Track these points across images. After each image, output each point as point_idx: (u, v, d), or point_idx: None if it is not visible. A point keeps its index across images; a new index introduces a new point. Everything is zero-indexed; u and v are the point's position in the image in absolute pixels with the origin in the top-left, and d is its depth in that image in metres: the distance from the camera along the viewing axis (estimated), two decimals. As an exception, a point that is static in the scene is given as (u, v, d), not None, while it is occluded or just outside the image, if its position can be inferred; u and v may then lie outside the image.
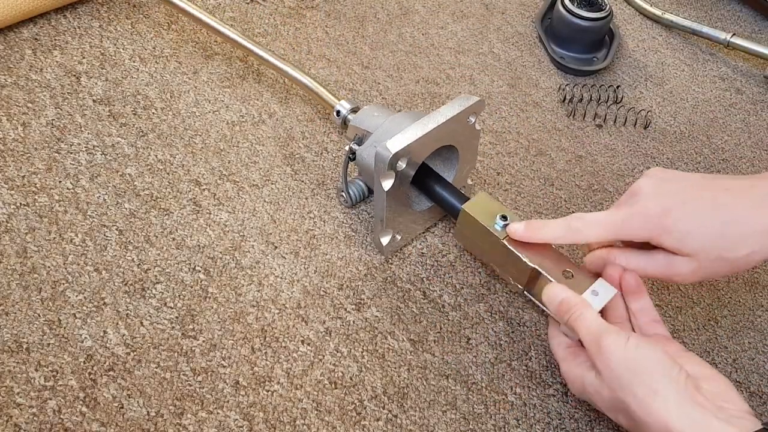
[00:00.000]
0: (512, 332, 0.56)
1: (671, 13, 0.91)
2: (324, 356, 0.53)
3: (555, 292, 0.46)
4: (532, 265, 0.48)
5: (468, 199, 0.53)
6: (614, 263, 0.48)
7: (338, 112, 0.62)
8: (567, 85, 0.80)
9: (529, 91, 0.79)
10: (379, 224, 0.53)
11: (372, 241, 0.54)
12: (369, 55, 0.79)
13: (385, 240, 0.52)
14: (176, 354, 0.51)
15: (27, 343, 0.49)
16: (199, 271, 0.56)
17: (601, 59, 0.83)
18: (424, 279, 0.59)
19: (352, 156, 0.58)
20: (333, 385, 0.51)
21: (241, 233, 0.59)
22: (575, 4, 0.80)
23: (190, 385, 0.50)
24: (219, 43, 0.75)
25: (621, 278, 0.48)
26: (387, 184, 0.51)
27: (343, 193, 0.59)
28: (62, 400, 0.47)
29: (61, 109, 0.64)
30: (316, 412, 0.50)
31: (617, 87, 0.81)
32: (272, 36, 0.78)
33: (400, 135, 0.50)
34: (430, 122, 0.52)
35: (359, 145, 0.57)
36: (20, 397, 0.47)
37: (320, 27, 0.80)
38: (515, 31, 0.87)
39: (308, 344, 0.53)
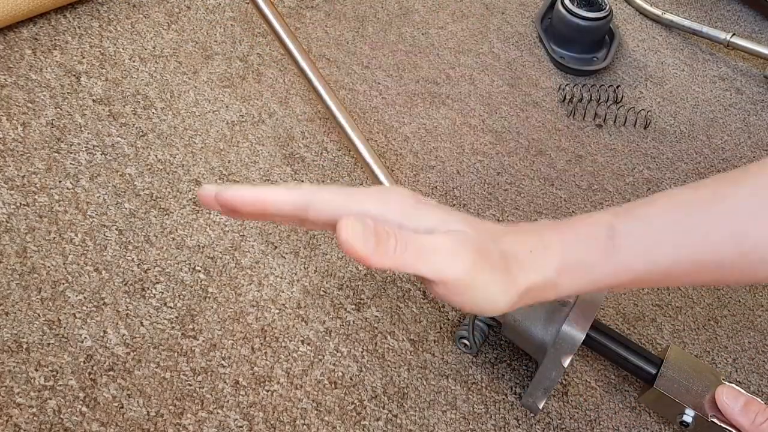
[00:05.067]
0: (512, 332, 0.56)
1: (671, 12, 0.91)
2: (324, 356, 0.53)
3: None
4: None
5: (658, 363, 0.50)
6: None
7: None
8: (567, 84, 0.80)
9: (529, 90, 0.79)
10: (542, 393, 0.49)
11: (523, 404, 0.50)
12: (369, 54, 0.79)
13: (542, 404, 0.50)
14: (176, 354, 0.51)
15: (27, 342, 0.49)
16: (199, 271, 0.56)
17: (601, 59, 0.83)
18: (424, 279, 0.59)
19: None
20: (333, 385, 0.51)
21: (241, 233, 0.59)
22: (575, 3, 0.80)
23: (190, 385, 0.50)
24: (219, 43, 0.75)
25: None
26: (568, 360, 0.46)
27: (467, 341, 0.54)
28: (62, 399, 0.47)
29: (60, 109, 0.64)
30: (316, 412, 0.50)
31: (617, 87, 0.81)
32: (273, 35, 0.78)
33: (579, 306, 0.46)
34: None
35: None
36: (20, 397, 0.47)
37: (320, 26, 0.80)
38: (515, 31, 0.87)
39: (308, 344, 0.53)
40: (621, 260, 0.37)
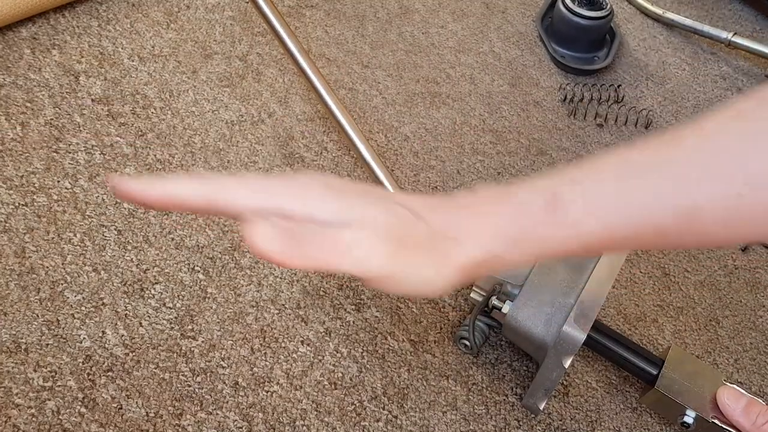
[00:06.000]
0: (513, 332, 0.56)
1: (672, 12, 0.91)
2: (324, 357, 0.53)
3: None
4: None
5: (659, 363, 0.49)
6: None
7: None
8: (568, 84, 0.80)
9: (529, 90, 0.79)
10: (543, 393, 0.48)
11: (524, 404, 0.50)
12: (369, 54, 0.78)
13: (542, 405, 0.50)
14: (175, 354, 0.51)
15: (25, 343, 0.49)
16: (198, 272, 0.56)
17: (601, 58, 0.83)
18: (425, 279, 0.59)
19: (488, 310, 0.51)
20: (333, 386, 0.51)
21: (241, 233, 0.59)
22: (576, 3, 0.80)
23: (189, 386, 0.49)
24: (218, 42, 0.74)
25: None
26: (569, 361, 0.46)
27: (467, 342, 0.53)
28: (61, 400, 0.47)
29: (59, 109, 0.64)
30: (315, 412, 0.50)
31: (618, 86, 0.80)
32: (273, 35, 0.78)
33: (580, 307, 0.46)
34: (602, 284, 0.47)
35: (501, 300, 0.50)
36: (19, 398, 0.47)
37: (320, 26, 0.80)
38: (516, 30, 0.86)
39: (308, 345, 0.53)
40: (567, 228, 0.35)
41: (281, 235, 0.29)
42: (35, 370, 0.48)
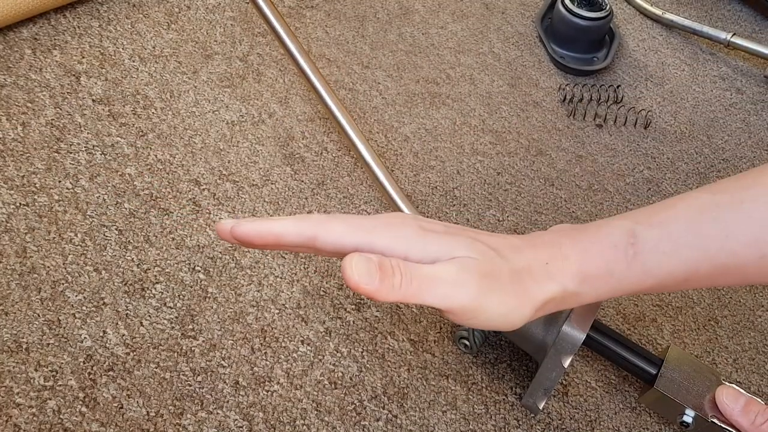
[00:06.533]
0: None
1: (671, 12, 0.91)
2: (324, 356, 0.53)
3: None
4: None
5: (658, 363, 0.49)
6: None
7: None
8: (567, 84, 0.80)
9: (529, 90, 0.79)
10: (542, 393, 0.49)
11: (523, 404, 0.50)
12: (369, 54, 0.78)
13: (542, 404, 0.51)
14: (176, 354, 0.51)
15: (26, 343, 0.49)
16: (199, 271, 0.56)
17: (601, 59, 0.83)
18: (424, 279, 0.59)
19: None
20: (333, 386, 0.51)
21: (241, 233, 0.59)
22: (575, 3, 0.80)
23: (190, 385, 0.50)
24: (218, 43, 0.75)
25: None
26: (568, 361, 0.46)
27: (467, 342, 0.54)
28: (62, 400, 0.47)
29: (60, 109, 0.64)
30: (315, 412, 0.50)
31: (617, 87, 0.81)
32: (273, 35, 0.78)
33: (579, 307, 0.46)
34: None
35: None
36: (20, 397, 0.47)
37: (320, 26, 0.80)
38: (515, 30, 0.87)
39: (308, 344, 0.53)
40: (642, 267, 0.37)
41: (375, 270, 0.31)
42: (36, 370, 0.48)
